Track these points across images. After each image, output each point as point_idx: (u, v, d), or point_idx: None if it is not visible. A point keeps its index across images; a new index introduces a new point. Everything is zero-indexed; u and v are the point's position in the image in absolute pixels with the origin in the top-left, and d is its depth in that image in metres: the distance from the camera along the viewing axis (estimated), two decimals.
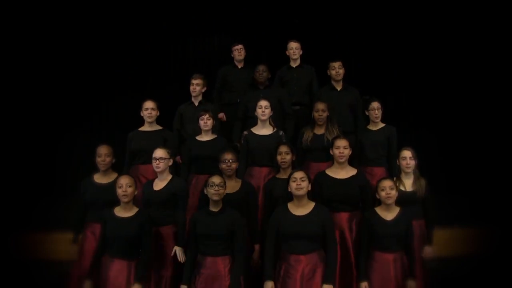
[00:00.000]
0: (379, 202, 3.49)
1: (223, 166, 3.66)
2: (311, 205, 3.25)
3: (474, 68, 5.82)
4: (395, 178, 3.74)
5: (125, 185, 3.31)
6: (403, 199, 3.52)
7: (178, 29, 6.28)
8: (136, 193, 3.39)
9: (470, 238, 4.78)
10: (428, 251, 3.67)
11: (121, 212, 3.35)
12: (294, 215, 3.21)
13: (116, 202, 3.40)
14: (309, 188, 3.25)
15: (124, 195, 3.31)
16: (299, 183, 3.20)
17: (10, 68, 5.64)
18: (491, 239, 4.65)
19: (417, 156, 3.83)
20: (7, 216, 4.92)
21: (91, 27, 6.01)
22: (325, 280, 3.08)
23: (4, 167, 5.38)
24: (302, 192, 3.21)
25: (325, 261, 3.16)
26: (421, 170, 3.85)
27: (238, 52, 5.16)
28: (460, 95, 5.87)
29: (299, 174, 3.24)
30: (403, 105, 6.09)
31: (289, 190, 3.27)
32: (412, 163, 3.78)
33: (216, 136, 4.20)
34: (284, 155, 3.74)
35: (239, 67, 5.21)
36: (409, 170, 3.78)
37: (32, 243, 4.71)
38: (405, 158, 3.79)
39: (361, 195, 3.60)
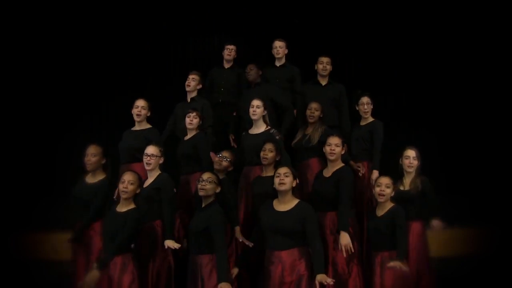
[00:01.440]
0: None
1: (215, 159, 3.72)
2: (295, 201, 3.16)
3: (474, 68, 5.81)
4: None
5: (127, 182, 3.22)
6: (398, 198, 3.51)
7: (178, 29, 6.27)
8: (138, 191, 3.27)
9: (470, 238, 4.79)
10: (436, 223, 3.67)
11: (119, 207, 3.27)
12: (276, 210, 3.15)
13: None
14: (294, 185, 3.19)
15: (124, 191, 3.21)
16: (282, 178, 3.15)
17: (10, 68, 5.64)
18: (491, 239, 4.66)
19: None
20: (7, 216, 4.92)
21: (91, 27, 6.00)
22: (316, 271, 2.94)
23: (4, 167, 5.37)
24: (284, 187, 3.14)
25: (306, 256, 3.06)
26: (421, 170, 3.84)
27: (228, 51, 5.01)
28: (460, 95, 5.86)
29: (282, 170, 3.19)
30: (403, 105, 6.09)
31: (274, 186, 3.20)
32: (415, 163, 3.77)
33: (196, 133, 4.03)
34: (267, 151, 3.68)
35: (226, 67, 5.07)
36: (410, 170, 3.77)
37: (32, 243, 4.71)
38: (408, 157, 3.79)
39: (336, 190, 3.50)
